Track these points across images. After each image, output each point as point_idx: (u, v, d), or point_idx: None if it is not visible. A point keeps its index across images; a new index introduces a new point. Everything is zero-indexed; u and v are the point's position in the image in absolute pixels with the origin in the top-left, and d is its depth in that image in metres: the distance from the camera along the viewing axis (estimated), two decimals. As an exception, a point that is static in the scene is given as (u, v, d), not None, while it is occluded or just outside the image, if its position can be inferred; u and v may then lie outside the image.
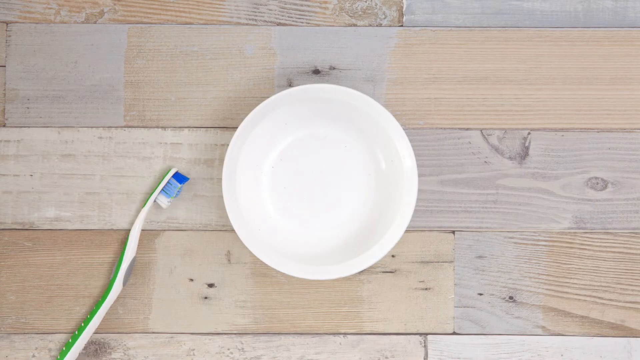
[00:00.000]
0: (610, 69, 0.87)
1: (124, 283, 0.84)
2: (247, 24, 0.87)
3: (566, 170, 0.87)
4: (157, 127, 0.87)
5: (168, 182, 0.84)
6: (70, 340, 0.84)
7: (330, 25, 0.87)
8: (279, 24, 0.87)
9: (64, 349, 0.84)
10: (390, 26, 0.87)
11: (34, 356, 0.86)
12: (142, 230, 0.86)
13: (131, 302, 0.87)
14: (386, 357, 0.86)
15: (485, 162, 0.87)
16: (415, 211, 0.87)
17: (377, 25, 0.87)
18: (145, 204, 0.85)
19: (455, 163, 0.87)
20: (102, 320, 0.86)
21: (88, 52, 0.87)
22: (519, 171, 0.87)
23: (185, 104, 0.87)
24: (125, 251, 0.84)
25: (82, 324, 0.84)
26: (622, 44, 0.87)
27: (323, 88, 0.80)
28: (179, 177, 0.84)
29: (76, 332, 0.84)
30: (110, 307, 0.86)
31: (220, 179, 0.87)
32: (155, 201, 0.85)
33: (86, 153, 0.87)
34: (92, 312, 0.84)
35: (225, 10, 0.88)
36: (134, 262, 0.84)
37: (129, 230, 0.85)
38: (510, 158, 0.87)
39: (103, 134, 0.87)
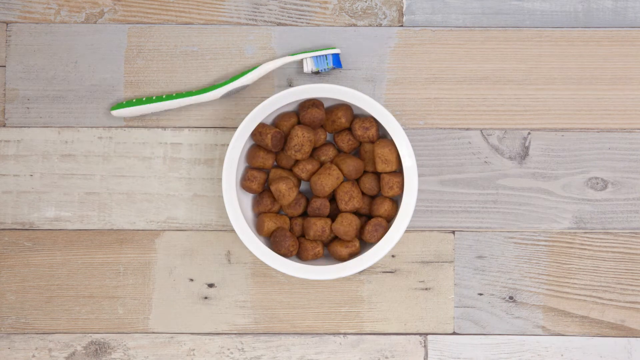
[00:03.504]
0: (610, 69, 0.87)
1: (222, 96, 0.84)
2: (247, 24, 0.87)
3: (566, 170, 0.87)
4: (157, 127, 0.87)
5: (324, 55, 0.84)
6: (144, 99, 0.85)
7: (330, 25, 0.87)
8: (279, 24, 0.87)
9: (135, 100, 0.85)
10: (390, 26, 0.87)
11: (34, 356, 0.86)
12: (142, 230, 0.87)
13: (131, 302, 0.87)
14: (386, 357, 0.86)
15: (485, 162, 0.87)
16: (415, 211, 0.87)
17: (377, 25, 0.87)
18: (294, 54, 0.84)
19: (455, 163, 0.87)
20: (102, 320, 0.86)
21: (88, 52, 0.87)
22: (519, 171, 0.87)
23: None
24: (247, 74, 0.83)
25: (164, 97, 0.84)
26: (622, 44, 0.87)
27: (323, 88, 0.80)
28: (336, 60, 0.84)
29: (154, 98, 0.84)
30: (110, 307, 0.86)
31: (220, 179, 0.87)
32: (304, 59, 0.84)
33: (86, 153, 0.87)
34: (179, 95, 0.84)
35: (225, 10, 0.88)
36: (243, 88, 0.84)
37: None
38: (510, 158, 0.87)
39: (103, 134, 0.87)
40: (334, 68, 0.85)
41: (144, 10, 0.87)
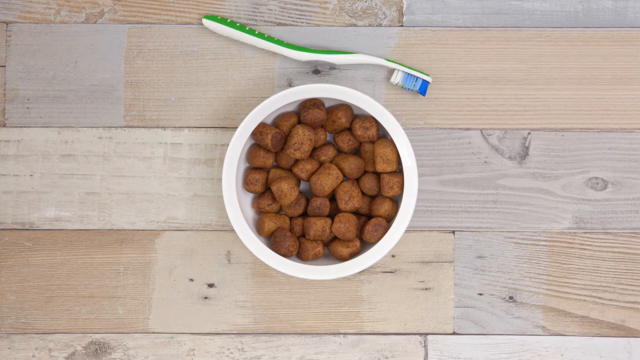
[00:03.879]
0: (610, 69, 0.87)
1: (306, 60, 0.84)
2: (247, 24, 0.87)
3: (566, 170, 0.87)
4: (157, 127, 0.87)
5: (416, 77, 0.84)
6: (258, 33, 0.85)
7: (330, 25, 0.87)
8: (279, 24, 0.87)
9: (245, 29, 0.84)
10: (390, 26, 0.87)
11: (34, 356, 0.86)
12: (142, 230, 0.87)
13: (131, 302, 0.87)
14: (386, 357, 0.86)
15: (485, 162, 0.87)
16: (415, 211, 0.87)
17: (377, 25, 0.87)
18: (390, 61, 0.84)
19: (455, 163, 0.87)
20: (102, 320, 0.86)
21: (88, 52, 0.87)
22: (519, 171, 0.87)
23: (185, 104, 0.87)
24: (339, 54, 0.84)
25: (257, 33, 0.84)
26: (622, 44, 0.87)
27: (323, 88, 0.80)
28: (423, 87, 0.84)
29: (267, 35, 0.85)
30: (110, 307, 0.86)
31: (220, 179, 0.87)
32: (397, 70, 0.84)
33: (86, 153, 0.87)
34: (270, 38, 0.84)
35: (225, 10, 0.88)
36: (328, 66, 0.85)
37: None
38: (510, 158, 0.87)
39: (103, 134, 0.87)
40: (417, 92, 0.85)
41: (144, 10, 0.87)
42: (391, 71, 0.86)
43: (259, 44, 0.85)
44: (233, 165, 0.81)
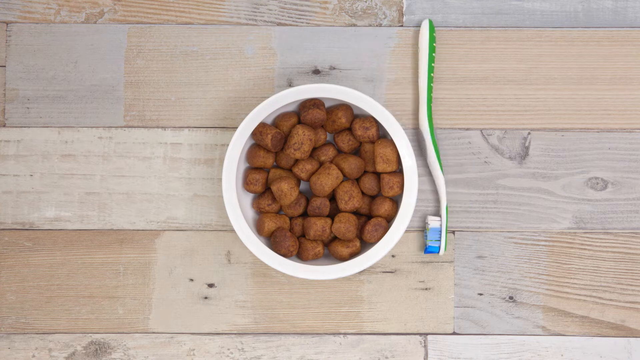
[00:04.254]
0: (610, 69, 0.87)
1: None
2: (247, 24, 0.87)
3: (566, 170, 0.87)
4: (157, 127, 0.87)
5: (439, 238, 0.84)
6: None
7: (330, 25, 0.87)
8: (279, 24, 0.87)
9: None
10: (390, 26, 0.87)
11: (34, 356, 0.86)
12: (142, 230, 0.87)
13: (131, 302, 0.87)
14: (386, 357, 0.86)
15: (485, 162, 0.87)
16: (415, 211, 0.87)
17: (377, 25, 0.87)
18: (447, 210, 0.84)
19: (455, 163, 0.87)
20: (102, 320, 0.87)
21: (88, 52, 0.87)
22: (519, 171, 0.87)
23: (185, 104, 0.87)
24: (439, 169, 0.84)
25: (429, 83, 0.84)
26: (622, 44, 0.87)
27: (323, 88, 0.80)
28: (432, 249, 0.84)
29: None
30: (110, 307, 0.86)
31: (220, 179, 0.87)
32: (438, 218, 0.84)
33: (86, 153, 0.87)
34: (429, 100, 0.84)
35: (225, 10, 0.88)
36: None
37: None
38: (510, 158, 0.87)
39: (103, 134, 0.87)
40: (427, 247, 0.84)
41: (144, 10, 0.87)
42: (435, 211, 0.86)
43: (421, 95, 0.85)
44: (233, 165, 0.81)
